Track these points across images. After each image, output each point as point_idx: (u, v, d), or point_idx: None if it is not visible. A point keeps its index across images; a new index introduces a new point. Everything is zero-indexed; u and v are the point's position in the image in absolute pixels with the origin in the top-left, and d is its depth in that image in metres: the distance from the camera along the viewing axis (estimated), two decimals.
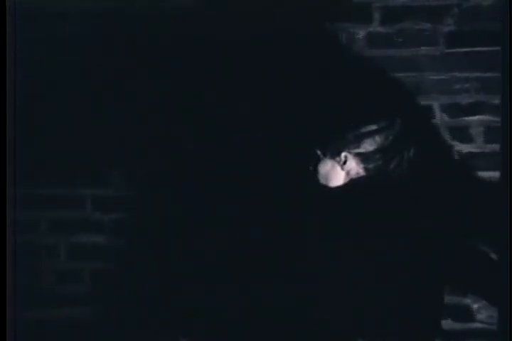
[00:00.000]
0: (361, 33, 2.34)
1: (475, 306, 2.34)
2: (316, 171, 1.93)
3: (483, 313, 2.35)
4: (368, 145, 1.86)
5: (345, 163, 1.88)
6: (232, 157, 2.37)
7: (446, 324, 2.34)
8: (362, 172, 1.88)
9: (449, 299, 2.18)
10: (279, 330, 1.87)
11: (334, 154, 1.89)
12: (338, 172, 1.90)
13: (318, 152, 1.93)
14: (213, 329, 2.25)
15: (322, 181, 1.92)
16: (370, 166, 1.87)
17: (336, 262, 1.79)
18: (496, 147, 2.28)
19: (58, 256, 2.53)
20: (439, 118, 2.34)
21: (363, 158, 1.87)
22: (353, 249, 1.77)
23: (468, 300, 2.33)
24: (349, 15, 2.33)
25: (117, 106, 2.43)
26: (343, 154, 1.88)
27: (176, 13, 2.38)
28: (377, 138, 1.85)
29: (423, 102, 2.32)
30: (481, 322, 2.35)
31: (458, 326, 2.36)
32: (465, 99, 2.32)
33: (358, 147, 1.86)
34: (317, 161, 1.93)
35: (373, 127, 1.86)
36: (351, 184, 1.88)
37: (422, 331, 1.84)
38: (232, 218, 2.36)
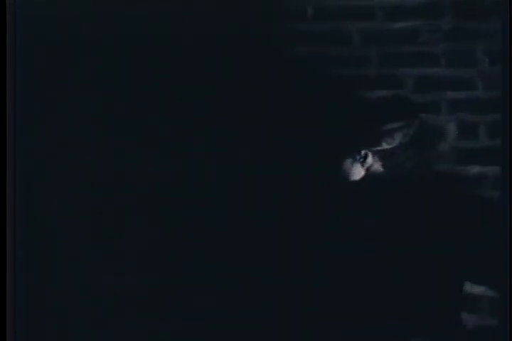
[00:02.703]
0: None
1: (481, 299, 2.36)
2: (337, 167, 1.99)
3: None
4: (386, 144, 1.91)
5: (365, 160, 1.94)
6: (255, 155, 2.40)
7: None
8: (381, 169, 1.94)
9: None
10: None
11: (354, 151, 1.95)
12: (357, 169, 1.95)
13: (340, 149, 1.99)
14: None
15: (343, 176, 1.98)
16: (389, 163, 1.92)
17: (349, 256, 1.85)
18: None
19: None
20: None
21: (382, 155, 1.92)
22: (368, 243, 1.84)
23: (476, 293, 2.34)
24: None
25: (117, 106, 2.44)
26: (363, 151, 1.94)
27: (176, 13, 2.40)
28: (396, 137, 1.90)
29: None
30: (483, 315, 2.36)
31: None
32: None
33: (378, 145, 1.91)
34: (338, 158, 1.99)
35: (393, 125, 1.90)
36: (370, 180, 1.94)
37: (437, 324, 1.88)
38: (249, 212, 2.40)
